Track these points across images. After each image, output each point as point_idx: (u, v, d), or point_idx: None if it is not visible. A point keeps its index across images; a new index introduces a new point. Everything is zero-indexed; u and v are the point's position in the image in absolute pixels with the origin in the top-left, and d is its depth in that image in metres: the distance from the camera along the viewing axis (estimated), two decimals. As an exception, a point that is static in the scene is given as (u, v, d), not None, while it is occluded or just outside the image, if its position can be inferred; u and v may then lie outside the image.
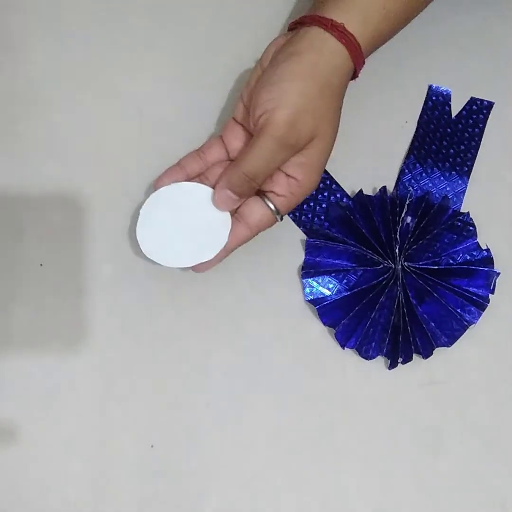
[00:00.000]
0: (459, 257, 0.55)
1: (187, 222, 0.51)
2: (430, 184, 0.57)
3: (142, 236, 0.51)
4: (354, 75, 0.50)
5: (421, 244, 0.54)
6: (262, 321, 0.54)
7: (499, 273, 0.54)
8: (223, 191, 0.49)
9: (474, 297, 0.54)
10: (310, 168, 0.48)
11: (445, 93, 0.59)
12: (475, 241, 0.55)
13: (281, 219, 0.50)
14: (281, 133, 0.46)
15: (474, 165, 0.57)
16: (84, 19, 0.59)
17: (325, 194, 0.57)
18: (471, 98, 0.59)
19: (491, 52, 0.60)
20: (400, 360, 0.53)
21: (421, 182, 0.57)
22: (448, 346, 0.53)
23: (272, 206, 0.49)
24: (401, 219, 0.54)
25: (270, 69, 0.48)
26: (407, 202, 0.55)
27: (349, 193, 0.57)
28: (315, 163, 0.49)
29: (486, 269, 0.54)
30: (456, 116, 0.58)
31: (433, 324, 0.53)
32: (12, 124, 0.57)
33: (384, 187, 0.56)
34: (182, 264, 0.51)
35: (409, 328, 0.53)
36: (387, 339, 0.53)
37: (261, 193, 0.50)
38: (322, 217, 0.56)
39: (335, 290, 0.54)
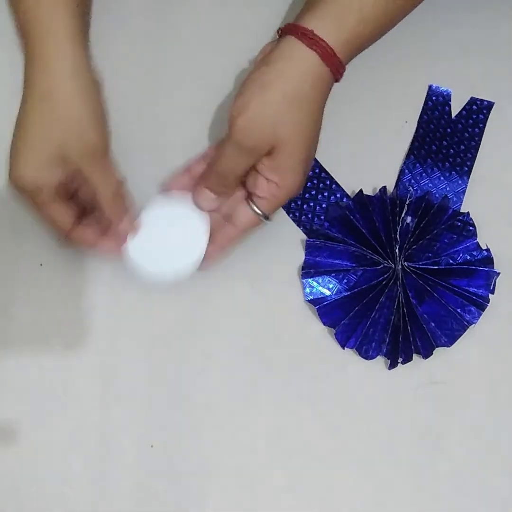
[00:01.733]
0: (459, 257, 0.55)
1: (168, 238, 0.53)
2: (430, 184, 0.57)
3: (136, 261, 0.52)
4: (336, 79, 0.51)
5: (421, 244, 0.54)
6: (262, 321, 0.54)
7: (499, 273, 0.54)
8: (201, 190, 0.52)
9: (474, 297, 0.54)
10: (284, 171, 0.50)
11: (445, 93, 0.59)
12: (475, 241, 0.55)
13: (267, 218, 0.52)
14: (239, 138, 0.49)
15: (474, 165, 0.57)
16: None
17: (325, 194, 0.57)
18: (471, 98, 0.59)
19: (491, 52, 0.60)
20: (400, 360, 0.53)
21: (421, 182, 0.57)
22: (448, 346, 0.53)
23: (255, 208, 0.51)
24: (401, 219, 0.54)
25: (246, 78, 0.51)
26: (407, 202, 0.55)
27: (349, 193, 0.57)
28: (287, 167, 0.50)
29: (486, 269, 0.54)
30: (456, 116, 0.58)
31: (433, 324, 0.53)
32: (12, 124, 0.57)
33: (384, 187, 0.56)
34: (171, 278, 0.53)
35: (409, 328, 0.53)
36: (387, 339, 0.53)
37: (247, 196, 0.52)
38: (322, 217, 0.56)
39: (335, 290, 0.54)
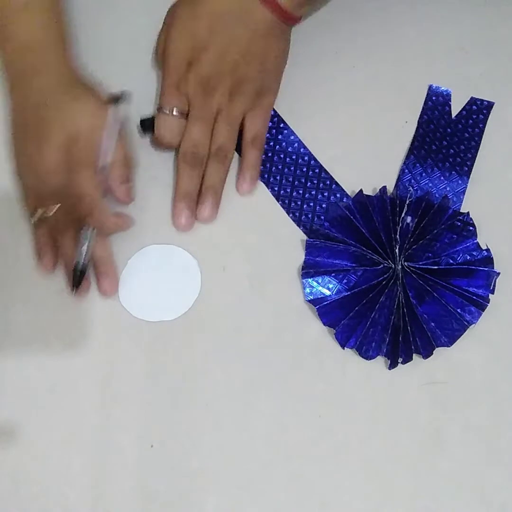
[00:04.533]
0: (459, 257, 0.55)
1: (160, 285, 0.54)
2: (430, 184, 0.57)
3: (129, 309, 0.54)
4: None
5: (421, 244, 0.54)
6: (262, 321, 0.54)
7: (499, 273, 0.54)
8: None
9: (474, 297, 0.54)
10: None
11: (445, 93, 0.59)
12: (475, 241, 0.55)
13: None
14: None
15: (474, 165, 0.57)
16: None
17: (325, 194, 0.57)
18: (471, 98, 0.59)
19: (491, 52, 0.60)
20: (400, 360, 0.53)
21: (421, 182, 0.57)
22: (448, 346, 0.53)
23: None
24: (401, 219, 0.54)
25: None
26: (407, 202, 0.55)
27: (349, 193, 0.57)
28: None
29: (486, 269, 0.54)
30: (456, 116, 0.58)
31: (433, 324, 0.53)
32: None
33: (384, 187, 0.56)
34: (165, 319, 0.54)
35: (409, 328, 0.53)
36: (387, 339, 0.53)
37: None
38: (322, 217, 0.56)
39: (335, 290, 0.54)
